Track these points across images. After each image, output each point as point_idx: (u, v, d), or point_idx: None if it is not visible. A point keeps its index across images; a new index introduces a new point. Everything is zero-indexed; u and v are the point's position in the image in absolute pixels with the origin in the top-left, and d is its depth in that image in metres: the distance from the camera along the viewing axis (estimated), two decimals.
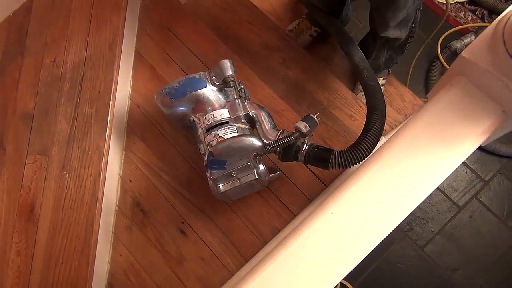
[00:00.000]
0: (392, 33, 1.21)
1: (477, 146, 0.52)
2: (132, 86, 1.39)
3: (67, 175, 1.23)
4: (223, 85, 1.10)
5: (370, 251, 0.50)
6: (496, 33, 0.51)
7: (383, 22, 1.15)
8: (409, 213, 0.52)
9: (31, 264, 1.18)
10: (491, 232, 1.46)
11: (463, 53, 0.53)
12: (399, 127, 1.33)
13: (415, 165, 0.54)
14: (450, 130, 0.55)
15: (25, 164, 1.29)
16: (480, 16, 1.72)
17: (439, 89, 0.58)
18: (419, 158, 0.54)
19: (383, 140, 1.03)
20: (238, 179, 1.04)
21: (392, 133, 1.30)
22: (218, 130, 1.04)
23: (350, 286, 1.37)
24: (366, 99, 1.00)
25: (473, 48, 0.53)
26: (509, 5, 1.44)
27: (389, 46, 1.34)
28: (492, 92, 0.55)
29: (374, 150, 0.96)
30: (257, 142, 1.00)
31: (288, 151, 1.01)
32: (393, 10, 1.07)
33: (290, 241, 0.53)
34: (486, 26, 1.67)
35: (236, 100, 1.10)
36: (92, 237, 1.16)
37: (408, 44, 1.34)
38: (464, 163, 1.52)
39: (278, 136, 1.02)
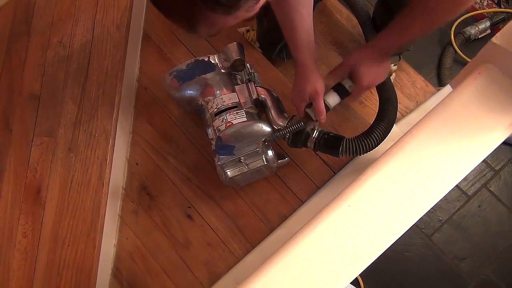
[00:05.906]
0: None
1: (504, 138, 0.50)
2: (140, 68, 1.36)
3: (73, 157, 1.22)
4: (232, 69, 1.07)
5: (389, 245, 0.49)
6: None
7: None
8: (429, 208, 0.50)
9: (38, 246, 1.18)
10: (499, 222, 1.44)
11: (494, 39, 0.50)
12: (410, 115, 1.30)
13: (437, 158, 0.52)
14: (476, 121, 0.52)
15: (31, 146, 1.28)
16: (496, 2, 1.67)
17: (465, 76, 0.55)
18: (442, 150, 0.52)
19: (394, 128, 1.01)
20: (246, 165, 1.02)
21: (403, 120, 1.27)
22: (227, 114, 1.02)
23: None
24: (378, 92, 0.98)
25: (505, 33, 0.50)
26: None
27: None
28: None
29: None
30: (266, 128, 0.99)
31: (297, 137, 1.00)
32: None
33: (305, 234, 0.52)
34: (502, 12, 1.62)
35: (246, 84, 1.08)
36: (99, 220, 1.16)
37: None
38: None
39: (288, 122, 1.01)
